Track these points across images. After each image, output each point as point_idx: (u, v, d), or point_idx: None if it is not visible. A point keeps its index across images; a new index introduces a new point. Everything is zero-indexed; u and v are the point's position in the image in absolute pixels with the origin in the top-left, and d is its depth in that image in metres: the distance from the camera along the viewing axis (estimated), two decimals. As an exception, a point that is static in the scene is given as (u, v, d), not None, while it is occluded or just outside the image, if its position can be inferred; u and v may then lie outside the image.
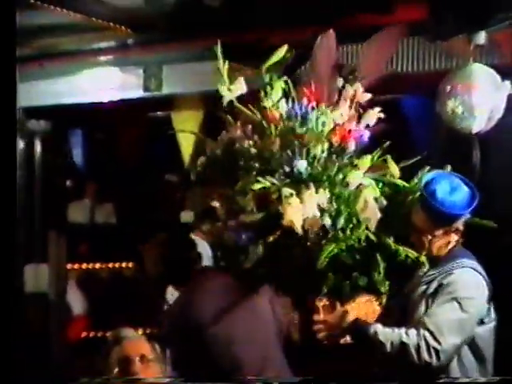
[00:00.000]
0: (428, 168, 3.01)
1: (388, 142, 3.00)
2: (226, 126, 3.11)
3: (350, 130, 3.02)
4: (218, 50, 2.98)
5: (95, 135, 7.42)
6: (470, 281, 2.86)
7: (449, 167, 3.02)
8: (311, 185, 2.87)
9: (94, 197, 7.30)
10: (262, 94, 3.01)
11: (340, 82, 3.11)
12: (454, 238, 2.93)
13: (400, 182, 3.01)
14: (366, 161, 3.01)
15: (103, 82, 5.50)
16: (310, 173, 2.93)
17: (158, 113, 6.42)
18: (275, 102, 3.01)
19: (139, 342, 2.80)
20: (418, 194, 2.92)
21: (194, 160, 5.88)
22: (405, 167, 3.00)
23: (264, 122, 3.00)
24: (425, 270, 2.92)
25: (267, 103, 3.01)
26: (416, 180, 2.97)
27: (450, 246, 2.94)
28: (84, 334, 6.49)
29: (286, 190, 2.85)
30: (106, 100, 5.61)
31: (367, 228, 2.87)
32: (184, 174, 6.68)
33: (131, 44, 5.24)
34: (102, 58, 5.41)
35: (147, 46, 5.19)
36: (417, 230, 2.92)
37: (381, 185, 2.98)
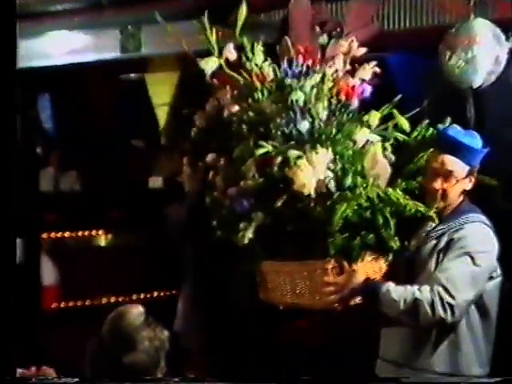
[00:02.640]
0: (427, 121, 3.01)
1: (398, 97, 2.97)
2: (212, 91, 3.02)
3: (353, 86, 2.98)
4: (205, 20, 2.92)
5: (65, 100, 7.21)
6: (480, 235, 2.86)
7: (448, 119, 3.01)
8: (318, 146, 2.78)
9: (58, 164, 7.13)
10: (244, 58, 2.95)
11: (324, 39, 3.06)
12: (469, 186, 2.91)
13: (401, 137, 3.00)
14: (375, 116, 2.98)
15: (76, 44, 5.32)
16: (312, 133, 2.85)
17: (131, 75, 6.25)
18: (260, 64, 2.95)
19: None
20: (436, 138, 2.92)
21: (167, 126, 5.77)
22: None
23: (254, 83, 2.92)
24: (433, 225, 2.90)
25: (252, 66, 2.95)
26: (416, 133, 2.98)
27: (460, 199, 2.92)
28: (54, 305, 6.34)
29: (294, 153, 2.76)
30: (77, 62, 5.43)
31: (375, 185, 2.82)
32: (153, 140, 6.54)
33: (105, 4, 5.07)
34: (76, 19, 5.23)
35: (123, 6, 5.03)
36: (437, 176, 2.86)
37: (391, 140, 2.96)
